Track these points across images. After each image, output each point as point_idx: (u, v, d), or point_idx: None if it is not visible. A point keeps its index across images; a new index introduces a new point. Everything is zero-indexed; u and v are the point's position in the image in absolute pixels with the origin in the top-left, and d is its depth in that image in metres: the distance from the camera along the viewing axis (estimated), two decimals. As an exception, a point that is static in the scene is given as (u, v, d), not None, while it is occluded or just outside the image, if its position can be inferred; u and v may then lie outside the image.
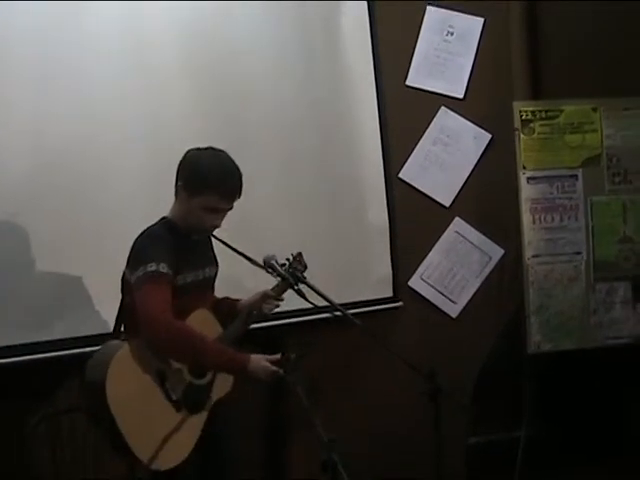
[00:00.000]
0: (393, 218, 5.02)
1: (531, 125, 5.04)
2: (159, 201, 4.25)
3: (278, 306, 3.71)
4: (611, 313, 5.09)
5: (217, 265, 3.72)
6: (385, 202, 5.02)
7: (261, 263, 3.62)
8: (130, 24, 4.28)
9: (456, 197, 5.18)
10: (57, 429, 4.06)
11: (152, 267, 3.29)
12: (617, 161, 5.11)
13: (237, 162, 4.39)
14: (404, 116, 5.07)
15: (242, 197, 4.23)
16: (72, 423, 4.02)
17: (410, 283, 5.14)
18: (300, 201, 4.74)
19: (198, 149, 3.54)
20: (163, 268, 3.30)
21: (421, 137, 5.15)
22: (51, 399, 4.05)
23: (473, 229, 5.20)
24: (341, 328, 4.50)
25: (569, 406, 5.22)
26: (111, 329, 3.68)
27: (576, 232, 5.09)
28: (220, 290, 3.80)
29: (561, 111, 5.07)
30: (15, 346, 3.93)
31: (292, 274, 3.64)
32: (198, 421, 3.41)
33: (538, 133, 5.05)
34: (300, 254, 3.75)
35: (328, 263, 4.50)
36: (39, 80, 4.04)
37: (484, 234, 5.21)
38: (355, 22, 4.96)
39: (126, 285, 3.47)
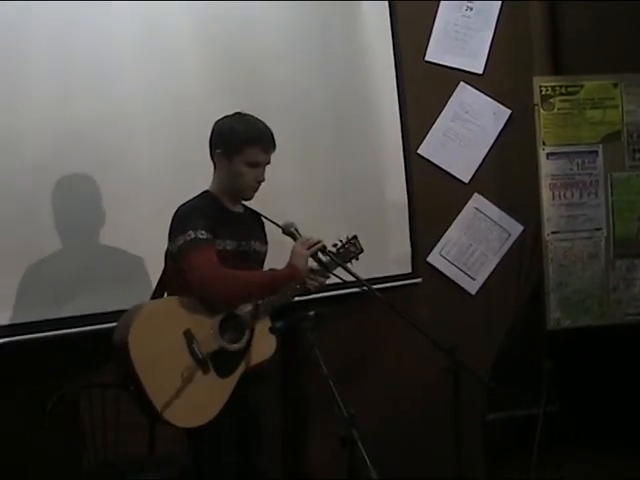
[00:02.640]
0: (412, 194, 5.00)
1: (551, 101, 5.02)
2: (176, 184, 4.29)
3: (324, 283, 3.67)
4: (631, 290, 5.08)
5: (266, 244, 3.74)
6: (404, 178, 5.00)
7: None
8: (147, 6, 4.27)
9: (475, 173, 5.17)
10: (75, 407, 4.07)
11: (191, 235, 3.41)
12: (638, 137, 5.10)
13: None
14: (423, 92, 5.05)
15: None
16: (90, 401, 4.03)
17: (429, 259, 5.13)
18: (319, 178, 4.74)
19: (224, 117, 3.64)
20: (202, 234, 3.41)
21: (440, 113, 5.13)
22: (70, 378, 4.06)
23: (492, 205, 5.19)
24: (359, 304, 4.54)
25: (588, 383, 5.22)
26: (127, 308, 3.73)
27: (596, 208, 5.07)
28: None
29: (581, 86, 5.05)
30: (31, 323, 3.95)
31: (340, 254, 3.67)
32: (227, 385, 3.42)
33: (558, 109, 5.03)
34: (355, 237, 3.75)
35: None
36: (54, 63, 4.03)
37: (503, 210, 5.20)
38: (374, -1, 4.95)
39: (168, 255, 3.59)
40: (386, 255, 4.94)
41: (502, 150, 5.19)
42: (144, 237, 4.21)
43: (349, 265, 3.64)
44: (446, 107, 5.14)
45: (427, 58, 5.11)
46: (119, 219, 4.18)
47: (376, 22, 4.97)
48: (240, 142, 3.52)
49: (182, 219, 3.49)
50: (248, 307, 3.49)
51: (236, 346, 3.46)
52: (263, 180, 3.59)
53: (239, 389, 3.46)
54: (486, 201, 5.19)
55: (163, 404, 3.27)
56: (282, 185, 4.47)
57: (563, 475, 4.89)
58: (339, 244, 3.69)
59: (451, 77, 5.14)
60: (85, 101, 4.07)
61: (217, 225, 3.47)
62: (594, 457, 4.94)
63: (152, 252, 4.24)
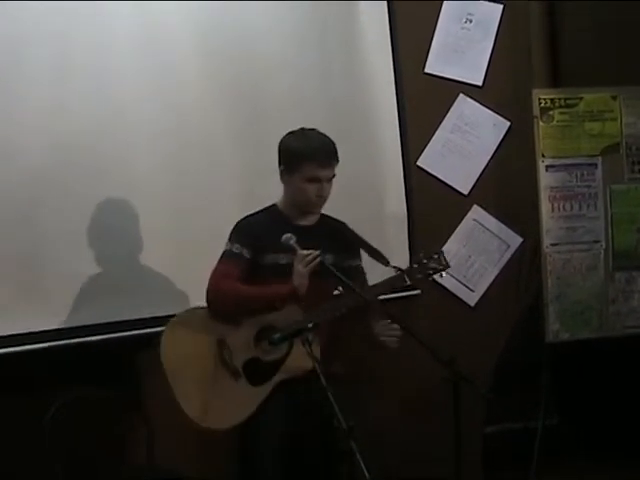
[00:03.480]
0: (411, 206, 5.00)
1: (550, 113, 5.02)
2: (177, 182, 4.30)
3: (398, 334, 3.62)
4: (630, 302, 5.08)
5: (348, 255, 3.76)
6: (403, 190, 5.00)
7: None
8: (146, 17, 4.28)
9: (474, 185, 5.16)
10: (75, 417, 4.06)
11: (227, 246, 3.64)
12: (637, 149, 5.10)
13: (253, 153, 4.48)
14: (422, 103, 5.05)
15: (260, 182, 4.27)
16: (91, 411, 4.02)
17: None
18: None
19: (288, 133, 3.73)
20: (237, 249, 3.61)
21: (439, 124, 5.13)
22: (67, 388, 4.05)
23: (491, 217, 5.18)
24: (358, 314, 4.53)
25: (587, 395, 5.21)
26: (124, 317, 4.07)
27: (595, 221, 5.07)
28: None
29: (580, 99, 5.05)
30: (29, 334, 3.94)
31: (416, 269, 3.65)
32: (259, 393, 3.50)
33: (557, 121, 5.03)
34: (441, 252, 3.73)
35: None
36: (53, 72, 4.04)
37: (502, 222, 5.19)
38: (373, 9, 4.94)
39: None
40: (385, 266, 4.93)
41: (501, 162, 5.18)
42: (143, 247, 4.21)
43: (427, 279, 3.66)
44: (445, 119, 5.14)
45: (426, 70, 5.11)
46: (118, 228, 4.17)
47: (375, 34, 4.98)
48: (297, 159, 3.61)
49: (233, 229, 3.68)
50: (289, 319, 3.51)
51: (271, 357, 3.52)
52: (324, 195, 3.64)
53: (299, 401, 3.52)
54: (485, 213, 5.18)
55: (188, 405, 3.46)
56: (277, 195, 4.48)
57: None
58: (420, 256, 3.68)
59: (450, 89, 5.14)
60: (84, 111, 4.08)
61: (270, 240, 3.56)
62: (593, 469, 4.92)
63: (152, 261, 4.26)
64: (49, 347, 3.95)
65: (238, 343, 3.53)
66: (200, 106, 4.42)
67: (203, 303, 3.84)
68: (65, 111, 4.05)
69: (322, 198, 3.66)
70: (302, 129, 3.71)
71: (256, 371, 3.52)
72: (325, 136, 3.69)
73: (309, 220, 3.72)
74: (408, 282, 3.60)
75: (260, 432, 3.52)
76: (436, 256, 3.68)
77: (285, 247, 3.55)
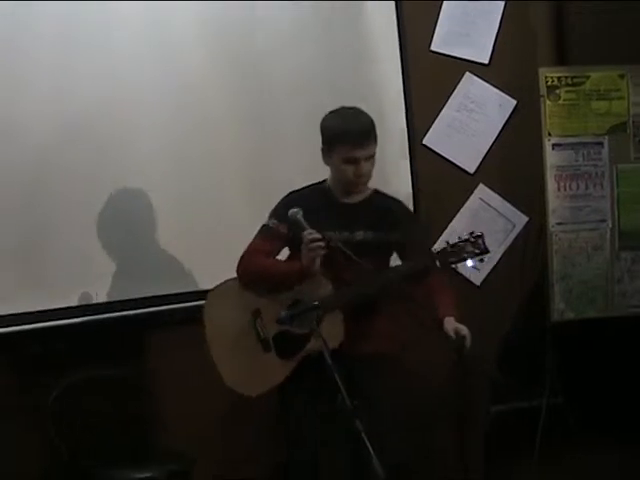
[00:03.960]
0: (417, 184, 4.99)
1: (557, 91, 5.00)
2: (182, 162, 4.29)
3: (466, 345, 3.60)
4: (635, 282, 5.07)
5: (390, 232, 3.70)
6: (409, 169, 4.99)
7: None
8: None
9: (480, 164, 5.15)
10: (79, 399, 4.07)
11: (266, 220, 3.73)
12: (644, 129, 5.08)
13: (258, 129, 4.44)
14: (428, 82, 5.03)
15: (265, 165, 4.26)
16: (98, 391, 4.03)
17: (433, 250, 5.10)
18: (322, 168, 4.72)
19: (328, 112, 3.74)
20: (273, 224, 3.70)
21: (445, 103, 5.11)
22: (76, 366, 4.06)
23: (497, 196, 5.17)
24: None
25: (591, 375, 5.21)
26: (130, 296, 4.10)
27: (601, 200, 5.06)
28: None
29: (587, 77, 5.03)
30: (34, 313, 3.94)
31: (452, 251, 3.57)
32: (286, 366, 3.58)
33: (564, 99, 5.01)
34: (480, 235, 3.60)
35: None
36: (61, 43, 4.03)
37: (508, 201, 5.18)
38: (379, -14, 4.92)
39: None
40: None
41: (507, 141, 5.17)
42: (147, 228, 4.21)
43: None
44: (451, 97, 5.12)
45: (432, 48, 5.08)
46: (123, 209, 4.17)
47: (381, 12, 4.96)
48: (333, 140, 3.63)
49: (277, 203, 3.75)
50: (319, 295, 3.54)
51: (300, 331, 3.55)
52: (363, 174, 3.62)
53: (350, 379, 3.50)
54: (491, 192, 5.17)
55: (224, 370, 3.62)
56: (287, 178, 4.47)
57: (567, 467, 4.89)
58: (458, 239, 3.59)
59: (456, 67, 5.11)
60: (88, 92, 4.08)
61: (315, 216, 3.57)
62: (597, 449, 4.92)
63: (155, 242, 4.26)
64: (56, 326, 3.95)
65: (271, 315, 3.58)
66: (205, 87, 4.42)
67: (209, 282, 3.87)
68: (69, 92, 4.05)
69: (361, 178, 3.64)
70: (341, 108, 3.72)
71: (285, 344, 3.58)
72: (362, 115, 3.67)
73: (355, 198, 3.72)
74: (438, 265, 3.52)
75: (291, 406, 3.65)
76: (473, 239, 3.57)
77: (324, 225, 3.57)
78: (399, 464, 3.58)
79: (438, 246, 3.65)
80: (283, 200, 3.74)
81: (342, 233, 3.64)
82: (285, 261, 3.75)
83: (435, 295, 3.69)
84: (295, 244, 3.64)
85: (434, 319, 3.50)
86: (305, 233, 3.52)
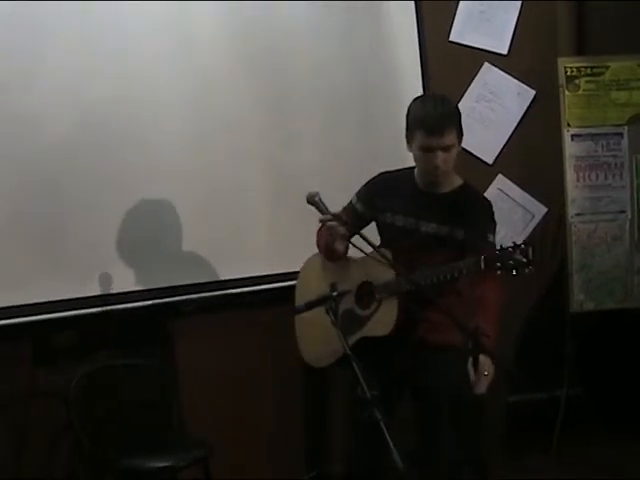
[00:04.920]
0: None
1: (576, 81, 4.98)
2: (200, 159, 4.29)
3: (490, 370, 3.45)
4: (655, 273, 5.06)
5: (458, 228, 3.64)
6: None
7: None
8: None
9: (499, 154, 5.15)
10: (96, 387, 4.08)
11: (352, 196, 3.83)
12: (663, 119, 5.06)
13: (279, 120, 4.44)
14: (447, 72, 5.03)
15: (284, 153, 4.26)
16: (111, 380, 4.05)
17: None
18: (342, 160, 4.73)
19: (415, 98, 3.75)
20: (354, 200, 3.81)
21: (464, 93, 5.11)
22: (93, 356, 4.08)
23: (516, 187, 5.17)
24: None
25: (610, 366, 5.20)
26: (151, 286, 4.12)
27: (620, 190, 5.04)
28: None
29: (607, 67, 5.01)
30: (49, 303, 3.94)
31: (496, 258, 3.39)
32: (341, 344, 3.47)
33: (583, 90, 4.99)
34: (528, 244, 3.38)
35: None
36: (78, 40, 4.02)
37: (527, 192, 5.18)
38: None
39: None
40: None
41: (526, 131, 5.16)
42: (165, 215, 4.22)
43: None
44: (470, 88, 5.12)
45: (451, 38, 5.09)
46: (141, 196, 4.18)
47: (400, 5, 4.96)
48: (411, 126, 3.60)
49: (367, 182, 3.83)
50: (384, 280, 3.59)
51: (361, 312, 3.65)
52: (438, 164, 3.54)
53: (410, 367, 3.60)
54: (510, 182, 5.16)
55: (300, 339, 3.88)
56: (305, 166, 4.49)
57: (585, 458, 4.88)
58: (508, 246, 3.40)
59: (475, 57, 5.12)
60: (108, 79, 4.07)
61: (393, 198, 3.66)
62: (616, 440, 4.92)
63: (172, 230, 4.27)
64: (73, 315, 3.96)
65: (345, 291, 3.57)
66: (224, 71, 4.41)
67: (228, 273, 3.90)
68: (88, 77, 4.04)
69: (437, 168, 3.56)
70: (426, 94, 3.82)
71: (349, 322, 3.64)
72: (444, 103, 3.60)
73: (440, 188, 3.67)
74: (483, 268, 3.38)
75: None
76: (523, 246, 3.37)
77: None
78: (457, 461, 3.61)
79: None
80: (371, 180, 3.79)
81: (417, 221, 3.64)
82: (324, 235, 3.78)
83: (480, 302, 3.60)
84: (378, 227, 3.77)
85: (470, 329, 3.41)
86: (321, 217, 3.54)
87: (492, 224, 3.70)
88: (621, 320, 5.08)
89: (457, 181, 3.72)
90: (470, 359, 3.42)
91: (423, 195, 3.67)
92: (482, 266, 3.37)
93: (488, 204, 3.76)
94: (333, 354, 3.62)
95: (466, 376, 3.41)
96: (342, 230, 3.53)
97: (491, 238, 3.65)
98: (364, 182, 3.85)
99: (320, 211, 3.54)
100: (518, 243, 3.36)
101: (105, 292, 4.05)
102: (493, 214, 3.72)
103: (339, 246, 3.61)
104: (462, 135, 3.64)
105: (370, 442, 3.45)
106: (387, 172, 3.80)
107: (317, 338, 3.73)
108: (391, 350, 3.60)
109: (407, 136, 3.63)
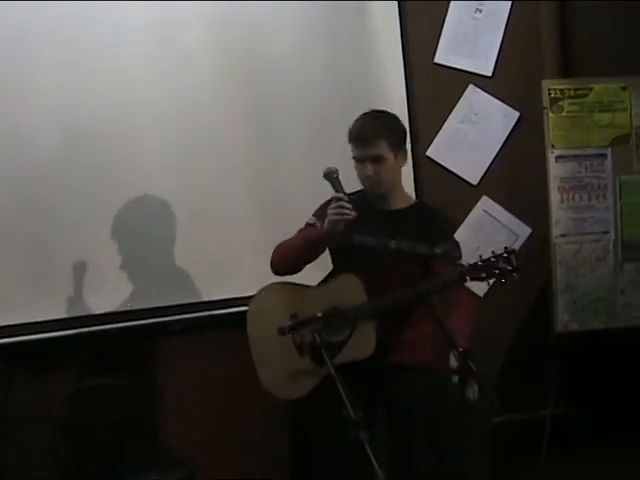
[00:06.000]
0: (420, 196, 4.98)
1: (560, 103, 5.01)
2: (189, 179, 4.30)
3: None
4: (639, 293, 5.06)
5: (428, 244, 3.70)
6: (413, 180, 4.99)
7: None
8: (158, 3, 4.28)
9: (484, 175, 5.16)
10: (81, 407, 4.07)
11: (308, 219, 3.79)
12: (646, 140, 5.08)
13: (264, 139, 4.45)
14: (432, 94, 5.05)
15: (270, 173, 4.26)
16: (96, 401, 4.04)
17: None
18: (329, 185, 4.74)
19: None
20: (311, 220, 3.77)
21: (449, 115, 5.13)
22: (79, 376, 4.07)
23: (500, 208, 5.18)
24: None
25: (596, 386, 5.20)
26: (137, 306, 4.15)
27: (604, 211, 5.06)
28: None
29: (590, 89, 5.03)
30: (36, 323, 3.94)
31: (482, 266, 3.50)
32: (318, 373, 3.56)
33: (567, 111, 5.02)
34: (513, 251, 3.53)
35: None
36: (69, 59, 4.05)
37: (512, 213, 5.19)
38: (383, -1, 4.95)
39: None
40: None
41: (511, 152, 5.18)
42: (152, 235, 4.23)
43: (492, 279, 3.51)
44: (455, 109, 5.14)
45: (436, 60, 5.11)
46: (129, 216, 4.18)
47: (385, 23, 4.99)
48: (348, 138, 3.72)
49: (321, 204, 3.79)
50: (354, 302, 3.57)
51: (333, 338, 3.59)
52: (369, 175, 3.64)
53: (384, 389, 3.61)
54: (494, 203, 5.18)
55: (262, 373, 3.69)
56: (292, 185, 4.50)
57: (571, 477, 4.89)
58: (490, 255, 3.53)
59: (460, 79, 5.13)
60: (97, 97, 4.09)
61: (359, 221, 3.57)
62: (602, 460, 4.92)
63: (162, 248, 4.27)
64: (60, 336, 3.96)
65: (308, 319, 3.54)
66: (211, 90, 4.44)
67: (216, 292, 3.89)
68: (76, 95, 4.06)
69: (368, 178, 3.67)
70: (371, 110, 3.78)
71: (319, 350, 3.53)
72: (378, 116, 3.73)
73: (390, 204, 3.75)
74: (468, 280, 3.49)
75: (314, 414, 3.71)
76: (506, 255, 3.50)
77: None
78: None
79: (469, 260, 3.59)
80: (326, 203, 3.73)
81: (379, 240, 3.65)
82: (304, 230, 3.78)
83: (452, 316, 3.65)
84: (338, 246, 3.71)
85: (460, 349, 3.42)
86: (337, 194, 3.54)
87: (451, 231, 3.85)
88: (606, 340, 5.08)
89: (410, 199, 3.83)
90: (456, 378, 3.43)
91: (381, 213, 3.71)
92: (467, 278, 3.46)
93: (449, 216, 3.88)
94: (303, 386, 3.61)
95: (440, 395, 3.45)
96: (352, 215, 3.51)
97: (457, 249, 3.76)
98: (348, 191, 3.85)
99: (335, 189, 3.55)
100: (500, 252, 3.48)
101: (91, 313, 4.06)
102: (450, 223, 3.85)
103: (338, 230, 3.55)
104: (403, 151, 3.73)
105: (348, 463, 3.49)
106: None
107: (283, 368, 3.68)
108: (367, 372, 3.60)
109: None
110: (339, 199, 3.52)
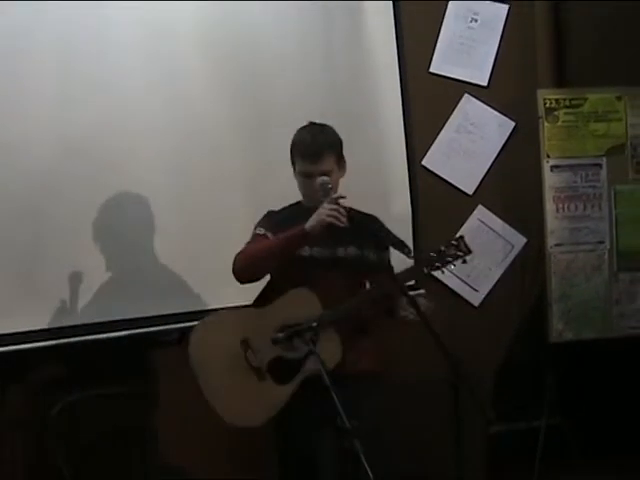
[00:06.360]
0: (416, 206, 4.99)
1: (555, 113, 5.02)
2: (184, 187, 4.30)
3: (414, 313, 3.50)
4: (634, 303, 5.08)
5: (369, 247, 3.70)
6: (408, 190, 5.00)
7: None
8: (151, 11, 4.29)
9: (479, 185, 5.16)
10: (75, 417, 4.06)
11: (253, 232, 3.69)
12: (642, 150, 5.10)
13: (258, 149, 4.44)
14: (427, 103, 5.05)
15: (266, 180, 4.26)
16: (90, 410, 4.03)
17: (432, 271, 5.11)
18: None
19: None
20: (260, 231, 3.66)
21: (444, 125, 5.13)
22: (73, 385, 4.06)
23: (496, 217, 5.18)
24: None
25: (590, 395, 5.21)
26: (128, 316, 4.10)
27: (599, 221, 5.07)
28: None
29: (585, 99, 5.05)
30: (32, 332, 3.93)
31: (437, 257, 3.56)
32: (285, 391, 3.50)
33: (562, 121, 5.03)
34: (461, 237, 3.63)
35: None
36: (60, 67, 4.05)
37: (507, 222, 5.19)
38: (378, 8, 4.94)
39: None
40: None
41: (506, 162, 5.19)
42: (146, 243, 4.22)
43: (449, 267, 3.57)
44: (450, 119, 5.14)
45: (431, 70, 5.11)
46: (123, 224, 4.18)
47: (380, 33, 4.98)
48: (292, 153, 3.66)
49: (261, 219, 3.73)
50: (310, 315, 3.50)
51: (294, 354, 3.51)
52: (317, 190, 3.56)
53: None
54: (490, 213, 5.18)
55: (219, 406, 3.50)
56: (285, 195, 4.48)
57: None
58: (442, 248, 3.58)
59: (455, 89, 5.14)
60: (89, 104, 4.09)
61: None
62: (596, 469, 4.92)
63: (157, 257, 4.26)
64: (54, 345, 3.95)
65: (261, 343, 3.53)
66: (205, 98, 4.43)
67: (211, 301, 3.87)
68: (69, 104, 4.05)
69: (316, 193, 3.58)
70: (310, 123, 3.72)
71: (281, 370, 3.52)
72: (324, 131, 3.67)
73: None
74: (427, 271, 3.54)
75: (289, 430, 3.57)
76: (455, 242, 3.60)
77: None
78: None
79: (424, 254, 3.66)
80: (266, 214, 3.74)
81: (323, 249, 3.63)
82: (280, 232, 3.62)
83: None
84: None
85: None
86: (335, 195, 3.51)
87: (389, 234, 3.74)
88: (600, 350, 5.09)
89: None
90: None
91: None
92: (425, 270, 3.53)
93: (379, 220, 3.83)
94: (271, 408, 3.51)
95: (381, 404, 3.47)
96: (343, 223, 3.47)
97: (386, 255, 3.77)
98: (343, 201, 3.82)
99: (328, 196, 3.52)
100: (449, 241, 3.57)
101: (85, 322, 4.05)
102: (385, 226, 3.80)
103: (321, 229, 3.49)
104: (344, 162, 3.71)
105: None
106: (274, 211, 3.78)
107: (243, 397, 3.54)
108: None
109: (292, 164, 3.69)
110: (338, 198, 3.50)
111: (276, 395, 3.50)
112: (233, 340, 3.54)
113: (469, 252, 3.60)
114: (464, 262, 3.60)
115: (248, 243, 3.67)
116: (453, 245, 3.59)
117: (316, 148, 3.59)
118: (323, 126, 3.71)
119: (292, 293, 3.57)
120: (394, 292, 3.55)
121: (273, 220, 3.69)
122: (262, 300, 3.69)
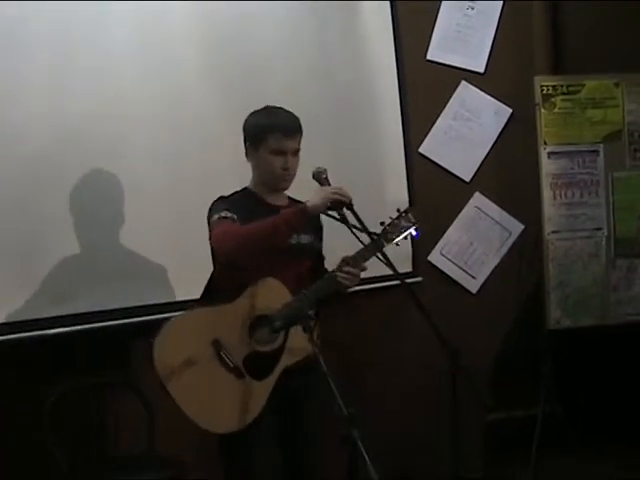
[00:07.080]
0: (413, 193, 5.00)
1: (552, 100, 5.02)
2: (177, 178, 4.29)
3: (358, 276, 3.49)
4: (631, 289, 5.09)
5: (316, 235, 3.66)
6: (405, 177, 5.00)
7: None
8: (145, 3, 4.27)
9: (476, 172, 5.17)
10: (76, 404, 4.06)
11: (215, 216, 3.43)
12: (639, 137, 5.11)
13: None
14: (424, 91, 5.05)
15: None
16: (84, 400, 4.03)
17: (430, 258, 5.13)
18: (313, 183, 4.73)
19: (253, 112, 3.65)
20: (225, 214, 3.42)
21: (441, 112, 5.13)
22: (70, 375, 4.06)
23: (493, 204, 5.19)
24: (358, 303, 4.55)
25: (588, 382, 5.22)
26: (124, 305, 4.07)
27: (596, 208, 5.08)
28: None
29: (583, 86, 5.05)
30: (29, 321, 3.93)
31: (387, 231, 3.54)
32: (265, 386, 3.41)
33: (559, 108, 5.03)
34: (407, 210, 3.59)
35: (347, 239, 4.52)
36: (55, 58, 4.03)
37: (504, 209, 5.20)
38: (375, -5, 4.94)
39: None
40: (386, 254, 4.93)
41: (503, 149, 5.19)
42: (143, 232, 4.22)
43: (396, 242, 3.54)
44: (447, 106, 5.14)
45: (429, 57, 5.11)
46: (116, 215, 4.17)
47: (377, 21, 4.97)
48: (262, 131, 3.52)
49: (210, 210, 3.52)
50: (278, 306, 3.42)
51: (269, 347, 3.43)
52: (290, 168, 3.53)
53: (283, 387, 3.43)
54: (487, 200, 5.19)
55: (195, 412, 3.33)
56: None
57: (563, 475, 4.90)
58: (389, 220, 3.55)
59: (452, 76, 5.14)
60: (84, 95, 4.07)
61: (252, 219, 3.41)
62: (594, 457, 4.93)
63: (150, 247, 4.26)
64: (49, 335, 3.95)
65: (233, 340, 3.40)
66: (199, 90, 4.41)
67: (200, 291, 3.85)
68: (66, 100, 4.04)
69: (288, 172, 3.54)
70: (266, 107, 3.64)
71: (258, 365, 3.42)
72: (289, 112, 3.61)
73: (280, 201, 3.60)
74: (385, 245, 3.50)
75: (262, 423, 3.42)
76: (404, 214, 3.57)
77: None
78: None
79: (377, 229, 3.55)
80: (214, 203, 3.54)
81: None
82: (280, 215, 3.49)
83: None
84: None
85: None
86: (334, 187, 3.47)
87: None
88: (598, 337, 5.10)
89: (284, 195, 3.66)
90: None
91: (275, 208, 3.53)
92: (383, 243, 3.50)
93: None
94: (253, 407, 3.39)
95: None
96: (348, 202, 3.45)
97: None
98: None
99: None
100: (399, 213, 3.54)
101: (80, 311, 4.04)
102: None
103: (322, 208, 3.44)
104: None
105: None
106: (223, 196, 3.59)
107: (221, 400, 3.38)
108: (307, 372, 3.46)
109: (251, 147, 3.56)
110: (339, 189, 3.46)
111: (257, 392, 3.40)
112: (203, 341, 3.39)
113: (417, 223, 3.58)
114: (416, 229, 3.57)
115: (217, 226, 3.43)
116: (402, 217, 3.57)
117: (294, 125, 3.56)
118: (283, 108, 3.63)
119: (260, 284, 3.44)
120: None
121: (228, 204, 3.51)
122: (211, 295, 3.57)
